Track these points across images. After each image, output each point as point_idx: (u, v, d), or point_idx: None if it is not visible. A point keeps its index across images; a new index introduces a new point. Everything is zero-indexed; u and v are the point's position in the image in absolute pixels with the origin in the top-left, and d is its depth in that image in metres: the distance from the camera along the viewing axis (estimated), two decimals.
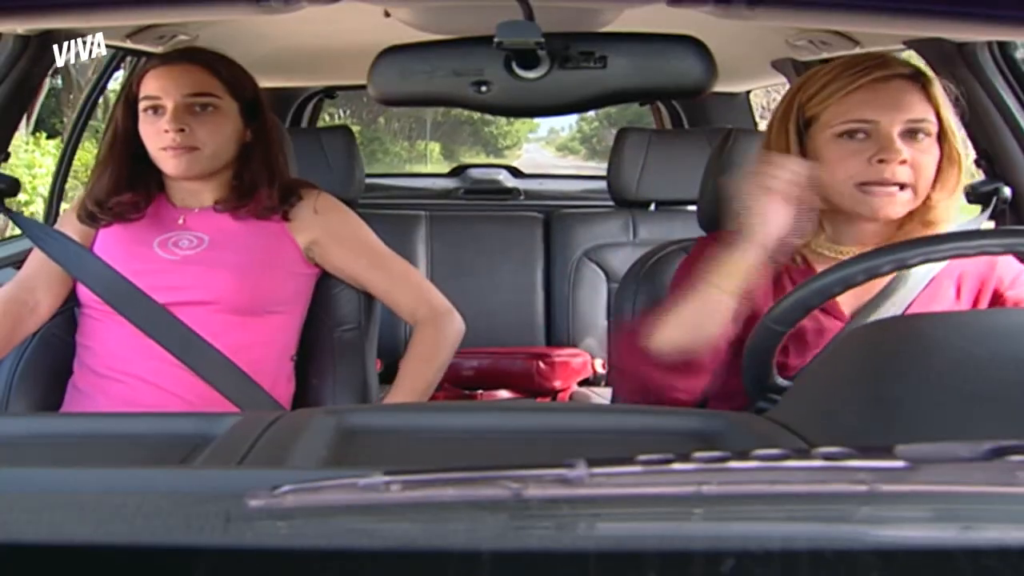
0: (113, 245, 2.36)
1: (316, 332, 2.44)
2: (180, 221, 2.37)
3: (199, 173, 2.34)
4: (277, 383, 2.37)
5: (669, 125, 5.45)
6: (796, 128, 1.95)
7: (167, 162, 2.31)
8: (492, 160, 37.12)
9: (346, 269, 2.43)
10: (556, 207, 4.33)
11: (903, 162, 1.86)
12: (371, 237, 2.47)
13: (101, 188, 2.38)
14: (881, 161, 1.86)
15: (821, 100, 1.92)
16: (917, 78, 1.91)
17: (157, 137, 2.30)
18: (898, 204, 1.89)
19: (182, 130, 2.27)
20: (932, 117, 1.89)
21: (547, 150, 40.40)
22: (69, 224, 2.42)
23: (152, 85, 2.31)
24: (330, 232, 2.41)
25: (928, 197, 1.93)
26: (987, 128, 2.60)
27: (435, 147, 33.49)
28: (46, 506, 0.80)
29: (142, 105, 2.32)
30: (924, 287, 1.95)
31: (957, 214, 2.00)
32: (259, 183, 2.38)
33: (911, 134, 1.88)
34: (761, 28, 3.23)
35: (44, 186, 11.33)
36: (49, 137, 13.06)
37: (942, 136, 1.91)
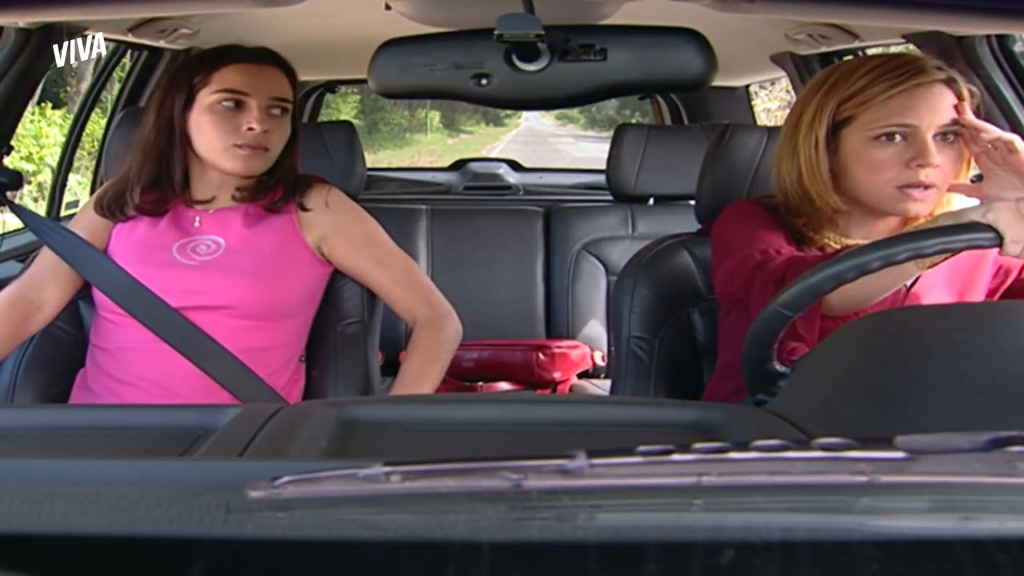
0: (130, 245, 2.35)
1: (320, 326, 2.44)
2: (196, 223, 2.36)
3: (258, 172, 2.35)
4: (290, 384, 2.38)
5: (668, 118, 5.46)
6: (828, 129, 1.99)
7: (236, 160, 2.30)
8: (491, 128, 37.08)
9: (351, 264, 2.43)
10: (556, 201, 4.34)
11: (936, 165, 1.92)
12: (379, 234, 2.47)
13: (146, 177, 2.37)
14: (918, 165, 1.91)
15: (860, 103, 1.95)
16: (951, 83, 1.94)
17: (233, 133, 2.29)
18: (927, 204, 1.96)
19: (266, 130, 2.29)
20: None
21: (546, 119, 40.31)
22: (86, 216, 2.41)
23: (237, 80, 2.30)
24: (339, 226, 2.41)
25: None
26: (985, 121, 2.60)
27: (435, 115, 33.62)
28: (47, 497, 0.80)
29: (217, 97, 2.30)
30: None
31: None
32: (280, 181, 2.40)
33: (943, 137, 1.93)
34: (760, 22, 3.23)
35: (51, 156, 11.39)
36: (55, 107, 13.10)
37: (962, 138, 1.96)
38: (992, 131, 1.91)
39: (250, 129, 2.28)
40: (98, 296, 2.32)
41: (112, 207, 2.37)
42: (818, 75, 2.08)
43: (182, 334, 2.25)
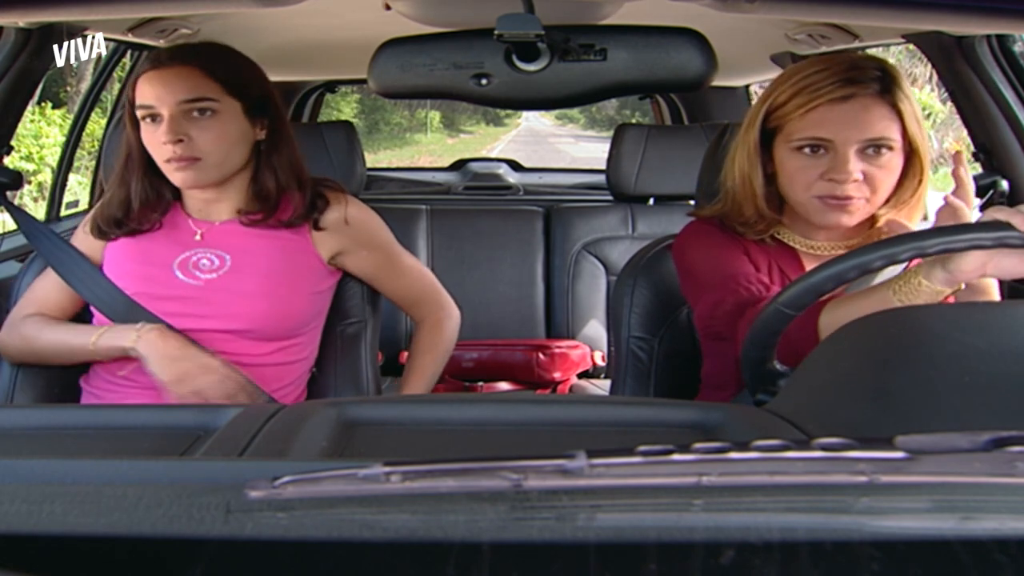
0: (126, 262, 2.27)
1: None
2: (198, 237, 2.27)
3: (208, 183, 2.23)
4: (300, 399, 2.34)
5: (668, 118, 5.47)
6: (760, 134, 2.00)
7: (173, 174, 2.19)
8: (491, 128, 37.02)
9: (364, 273, 2.41)
10: (556, 201, 4.35)
11: (855, 180, 1.90)
12: (390, 239, 2.44)
13: (117, 204, 2.28)
14: (832, 180, 1.91)
15: (786, 113, 1.95)
16: (885, 93, 1.91)
17: (159, 148, 2.18)
18: (850, 214, 1.94)
19: (180, 140, 2.15)
20: (895, 133, 1.91)
21: (546, 119, 40.38)
22: (79, 238, 2.34)
23: (146, 92, 2.18)
24: (358, 241, 2.35)
25: (887, 202, 1.98)
26: (985, 121, 2.60)
27: (435, 116, 33.67)
28: (47, 497, 0.80)
29: (139, 114, 2.19)
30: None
31: (918, 221, 2.03)
32: (282, 186, 2.28)
33: (872, 150, 1.91)
34: (760, 22, 3.23)
35: (51, 155, 11.38)
36: (55, 107, 13.07)
37: (909, 151, 1.94)
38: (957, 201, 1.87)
39: (165, 143, 2.16)
40: (95, 310, 2.28)
41: (107, 229, 2.30)
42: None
43: None
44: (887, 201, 1.98)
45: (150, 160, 2.25)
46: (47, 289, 2.32)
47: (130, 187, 2.29)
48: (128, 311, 2.22)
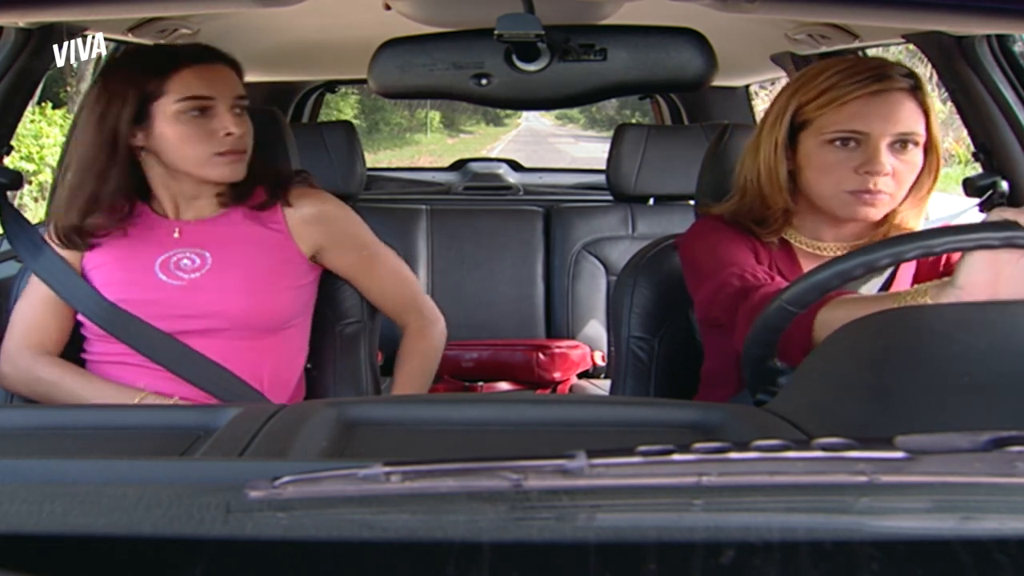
0: (108, 267, 2.24)
1: (320, 326, 2.42)
2: (176, 235, 2.25)
3: (240, 177, 2.23)
4: (296, 395, 2.35)
5: (668, 118, 5.47)
6: (788, 129, 2.02)
7: (217, 168, 2.19)
8: (491, 128, 37.03)
9: (343, 270, 2.39)
10: (556, 201, 4.35)
11: (886, 174, 1.93)
12: (370, 238, 2.42)
13: (77, 211, 2.20)
14: (867, 172, 1.93)
15: (818, 107, 1.97)
16: (914, 90, 1.95)
17: (208, 141, 2.16)
18: (877, 208, 1.97)
19: (232, 134, 2.18)
20: (922, 129, 1.95)
21: (546, 119, 40.47)
22: (56, 248, 2.27)
23: (197, 84, 2.16)
24: (335, 238, 2.34)
25: (903, 201, 2.01)
26: (985, 122, 2.60)
27: (435, 116, 33.73)
28: (47, 497, 0.80)
29: (182, 106, 2.14)
30: (889, 276, 2.05)
31: (922, 219, 2.07)
32: (257, 181, 2.28)
33: (899, 145, 1.95)
34: (760, 22, 3.23)
35: (51, 156, 11.34)
36: (55, 107, 13.03)
37: (928, 146, 1.98)
38: None
39: (228, 134, 2.17)
40: (81, 316, 2.25)
41: (72, 239, 2.24)
42: (792, 77, 2.10)
43: (176, 356, 2.19)
44: (905, 198, 2.00)
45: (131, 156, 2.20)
46: (43, 312, 2.27)
47: (97, 191, 2.18)
48: (113, 318, 2.20)
